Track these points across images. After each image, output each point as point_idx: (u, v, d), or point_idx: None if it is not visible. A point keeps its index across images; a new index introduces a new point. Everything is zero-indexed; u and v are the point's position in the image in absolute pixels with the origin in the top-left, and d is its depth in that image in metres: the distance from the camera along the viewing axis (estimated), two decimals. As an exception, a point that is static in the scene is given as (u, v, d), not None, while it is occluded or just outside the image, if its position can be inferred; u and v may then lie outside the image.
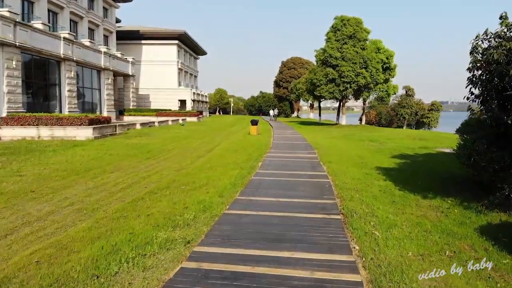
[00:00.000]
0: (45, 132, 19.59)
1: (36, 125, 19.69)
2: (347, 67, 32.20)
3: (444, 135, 28.62)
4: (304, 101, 58.94)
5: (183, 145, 17.09)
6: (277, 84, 68.09)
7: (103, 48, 37.74)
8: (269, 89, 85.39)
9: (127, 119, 42.29)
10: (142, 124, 28.37)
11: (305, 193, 7.84)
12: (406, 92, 49.89)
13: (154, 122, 30.88)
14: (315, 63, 35.33)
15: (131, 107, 44.53)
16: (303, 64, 64.43)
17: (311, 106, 63.56)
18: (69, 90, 30.98)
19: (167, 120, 34.59)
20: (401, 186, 9.23)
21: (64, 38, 29.67)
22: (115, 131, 21.91)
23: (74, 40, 31.55)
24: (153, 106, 51.22)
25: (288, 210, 6.53)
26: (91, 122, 19.94)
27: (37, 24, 27.12)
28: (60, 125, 19.63)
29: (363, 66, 32.68)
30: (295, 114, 68.38)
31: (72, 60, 31.14)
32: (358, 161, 13.12)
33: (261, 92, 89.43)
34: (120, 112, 43.42)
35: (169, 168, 11.17)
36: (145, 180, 9.38)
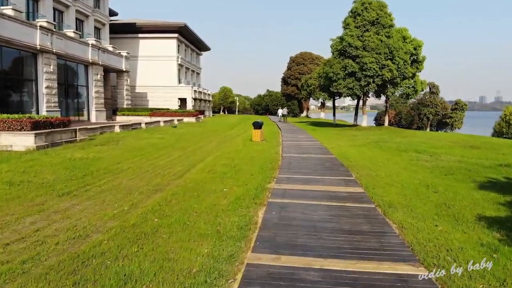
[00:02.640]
0: (-26, 140, 13.87)
1: (-36, 130, 13.97)
2: (369, 58, 25.95)
3: (493, 140, 22.30)
4: (314, 99, 52.38)
5: (149, 161, 11.12)
6: (285, 81, 61.43)
7: (91, 40, 32.11)
8: (277, 88, 79.27)
9: (119, 119, 37.13)
10: (124, 127, 22.58)
11: None
12: (430, 89, 43.25)
13: (140, 124, 25.07)
14: (331, 55, 29.16)
15: (125, 106, 38.89)
16: (313, 60, 57.73)
17: (322, 105, 56.94)
18: (47, 87, 25.43)
19: (159, 121, 28.79)
20: None
21: (41, 27, 24.08)
22: (75, 137, 16.07)
23: (54, 30, 25.93)
24: (151, 105, 45.52)
25: None
26: (35, 126, 14.14)
27: (7, 10, 21.58)
28: (-6, 130, 13.89)
29: (389, 57, 26.39)
30: (304, 113, 61.60)
31: (52, 52, 25.56)
32: (437, 202, 7.03)
33: (268, 90, 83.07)
34: (114, 112, 38.17)
35: (70, 230, 5.19)
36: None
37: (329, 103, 63.66)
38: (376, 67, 25.95)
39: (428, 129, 42.83)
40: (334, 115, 38.07)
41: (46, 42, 24.87)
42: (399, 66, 26.53)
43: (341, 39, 27.93)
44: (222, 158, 11.71)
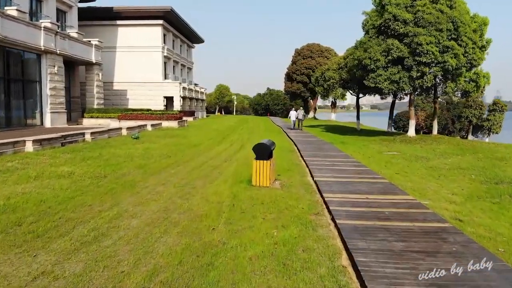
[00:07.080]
0: None
1: None
2: (426, 37, 16.73)
3: None
4: (323, 99, 42.75)
5: None
6: (289, 77, 51.76)
7: (44, 22, 22.93)
8: (278, 86, 69.80)
9: (86, 122, 28.22)
10: (46, 142, 13.18)
11: None
12: (472, 85, 34.02)
13: (84, 135, 15.76)
14: (363, 34, 19.73)
15: (95, 106, 29.75)
16: (322, 52, 48.22)
17: (333, 105, 47.43)
18: (-31, 81, 16.27)
19: (120, 129, 19.48)
20: None
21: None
22: None
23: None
24: (132, 104, 36.28)
25: None
26: None
27: None
28: None
29: (453, 35, 17.22)
30: (311, 114, 51.91)
31: (-23, 33, 16.42)
32: None
33: (268, 89, 73.71)
34: (83, 113, 29.31)
35: None
36: None
37: (339, 103, 54.17)
38: (436, 50, 16.72)
39: (470, 136, 33.69)
40: (358, 118, 28.33)
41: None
42: (467, 50, 17.35)
43: (380, 12, 18.66)
44: None
